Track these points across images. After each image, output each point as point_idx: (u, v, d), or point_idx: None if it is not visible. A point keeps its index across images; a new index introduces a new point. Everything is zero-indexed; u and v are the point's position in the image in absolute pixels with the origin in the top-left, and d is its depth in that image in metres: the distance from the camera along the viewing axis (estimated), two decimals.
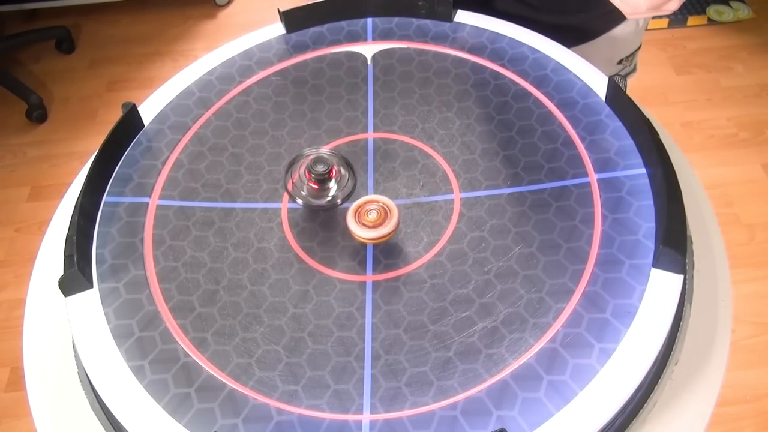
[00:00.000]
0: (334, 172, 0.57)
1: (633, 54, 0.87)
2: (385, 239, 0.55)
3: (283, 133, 0.66)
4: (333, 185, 0.58)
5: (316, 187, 0.57)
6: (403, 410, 0.47)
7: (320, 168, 0.57)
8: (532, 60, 0.68)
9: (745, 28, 1.91)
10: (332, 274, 0.55)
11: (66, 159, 1.71)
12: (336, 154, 0.59)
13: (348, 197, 0.57)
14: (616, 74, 0.88)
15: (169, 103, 0.68)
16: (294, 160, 0.59)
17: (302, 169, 0.58)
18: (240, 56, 0.72)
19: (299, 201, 0.57)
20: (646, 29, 0.87)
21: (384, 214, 0.55)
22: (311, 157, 0.58)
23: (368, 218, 0.54)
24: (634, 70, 0.91)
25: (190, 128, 0.66)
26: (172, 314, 0.53)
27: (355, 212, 0.55)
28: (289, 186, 0.58)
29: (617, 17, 0.81)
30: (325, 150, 0.59)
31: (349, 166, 0.58)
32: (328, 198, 0.58)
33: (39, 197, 1.63)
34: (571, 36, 0.75)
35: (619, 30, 0.82)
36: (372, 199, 0.56)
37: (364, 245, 0.57)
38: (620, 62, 0.87)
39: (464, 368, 0.48)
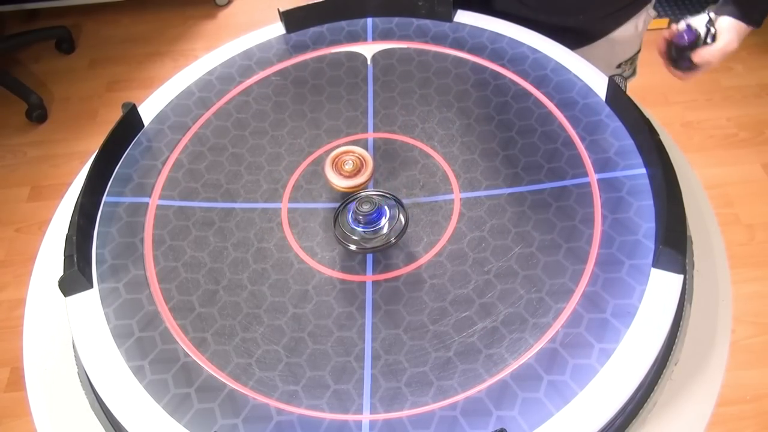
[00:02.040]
0: (382, 211, 0.55)
1: (632, 58, 0.87)
2: (359, 188, 0.56)
3: (283, 133, 0.66)
4: (384, 223, 0.55)
5: (367, 228, 0.55)
6: (403, 410, 0.47)
7: (366, 208, 0.54)
8: (532, 60, 0.68)
9: None
10: (332, 274, 0.55)
11: (66, 159, 1.71)
12: (383, 194, 0.57)
13: (401, 235, 0.55)
14: (616, 75, 0.88)
15: (169, 103, 0.68)
16: (340, 207, 0.56)
17: (349, 214, 0.56)
18: (240, 56, 0.72)
19: (353, 247, 0.55)
20: (646, 30, 0.87)
21: (360, 165, 0.57)
22: (357, 199, 0.55)
23: (345, 168, 0.56)
24: (633, 74, 0.91)
25: (190, 128, 0.66)
26: (172, 314, 0.53)
27: (333, 162, 0.57)
28: (338, 233, 0.55)
29: (617, 20, 0.81)
30: (371, 191, 0.57)
31: (398, 203, 0.56)
32: (382, 235, 0.55)
33: (39, 197, 1.63)
34: (571, 38, 0.75)
35: (618, 33, 0.82)
36: (348, 150, 0.58)
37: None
38: (619, 66, 0.87)
39: (464, 368, 0.48)
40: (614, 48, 0.84)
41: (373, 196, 0.55)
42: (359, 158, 0.57)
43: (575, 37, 0.79)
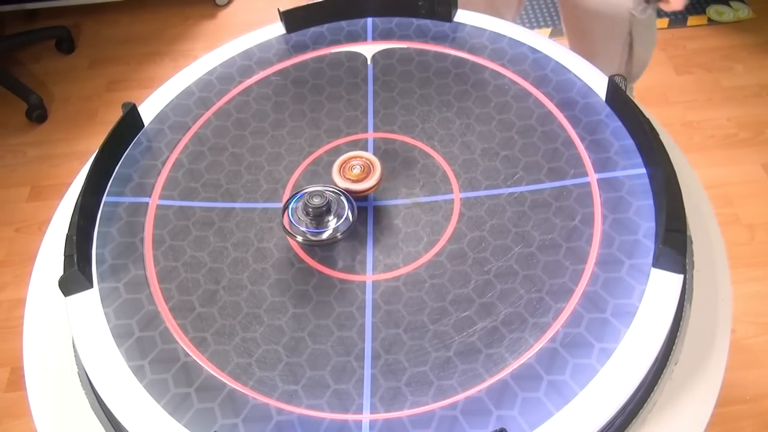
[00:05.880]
0: (332, 206, 0.55)
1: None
2: (367, 192, 0.57)
3: (283, 133, 0.66)
4: (332, 219, 0.55)
5: (314, 222, 0.55)
6: (403, 410, 0.47)
7: (316, 201, 0.54)
8: (532, 60, 0.68)
9: (745, 28, 1.91)
10: (332, 274, 0.55)
11: (66, 159, 1.70)
12: (333, 189, 0.56)
13: (347, 231, 0.55)
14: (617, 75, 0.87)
15: (169, 103, 0.68)
16: (290, 198, 0.56)
17: (299, 206, 0.55)
18: (240, 56, 0.72)
19: (298, 238, 0.54)
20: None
21: (368, 169, 0.57)
22: (308, 192, 0.55)
23: (352, 173, 0.56)
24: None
25: (190, 128, 0.66)
26: (172, 314, 0.53)
27: (340, 167, 0.57)
28: (286, 222, 0.55)
29: None
30: (320, 186, 0.57)
31: (348, 200, 0.56)
32: (329, 232, 0.55)
33: (39, 197, 1.62)
34: None
35: None
36: (356, 155, 0.58)
37: (364, 245, 0.57)
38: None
39: (464, 368, 0.48)
40: None
41: (325, 191, 0.55)
42: (367, 162, 0.57)
43: None
